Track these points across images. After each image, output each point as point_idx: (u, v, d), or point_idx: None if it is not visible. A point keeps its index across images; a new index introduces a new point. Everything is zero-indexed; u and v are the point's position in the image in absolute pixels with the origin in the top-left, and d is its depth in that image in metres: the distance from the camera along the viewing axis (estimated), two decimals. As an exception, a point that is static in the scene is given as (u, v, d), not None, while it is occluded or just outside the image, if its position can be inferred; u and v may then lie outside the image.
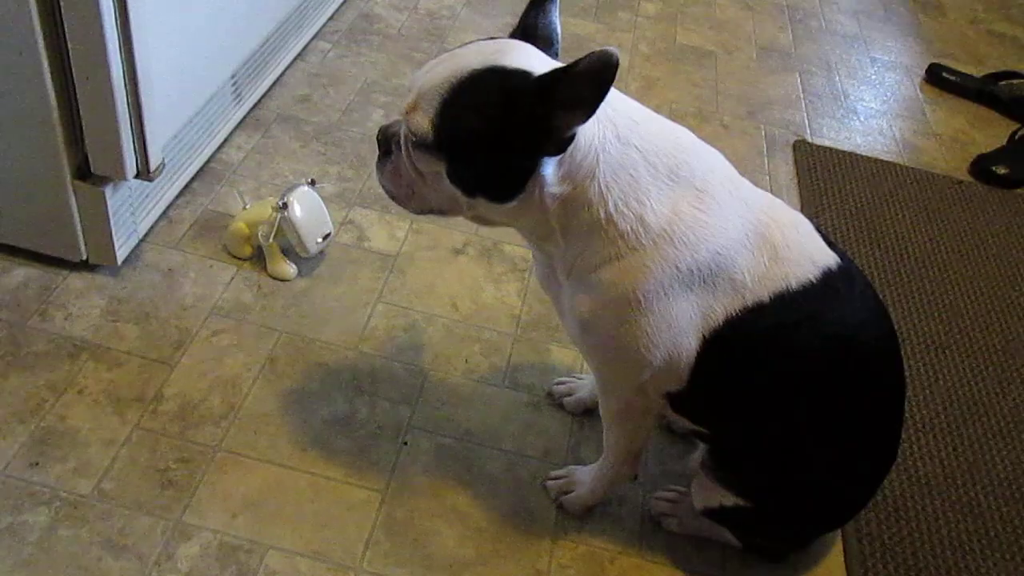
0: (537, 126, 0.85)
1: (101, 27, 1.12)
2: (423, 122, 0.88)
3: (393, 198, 0.99)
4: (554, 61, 0.92)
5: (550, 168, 0.89)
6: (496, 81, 0.86)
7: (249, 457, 1.20)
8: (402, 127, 0.93)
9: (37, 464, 1.14)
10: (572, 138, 0.87)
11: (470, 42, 0.93)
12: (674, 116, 0.99)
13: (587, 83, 0.80)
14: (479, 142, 0.88)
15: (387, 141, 0.96)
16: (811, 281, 0.97)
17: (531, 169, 0.89)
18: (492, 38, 0.93)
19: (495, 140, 0.87)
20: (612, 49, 0.77)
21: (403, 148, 0.94)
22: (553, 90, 0.82)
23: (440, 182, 0.92)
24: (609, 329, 0.96)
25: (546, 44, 0.94)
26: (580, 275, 0.96)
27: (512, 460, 1.27)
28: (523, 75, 0.86)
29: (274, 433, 1.23)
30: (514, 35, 0.95)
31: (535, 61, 0.89)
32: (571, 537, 1.19)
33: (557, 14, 0.96)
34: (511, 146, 0.87)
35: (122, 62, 1.18)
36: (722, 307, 0.94)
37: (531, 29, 0.95)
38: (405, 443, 1.26)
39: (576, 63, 0.80)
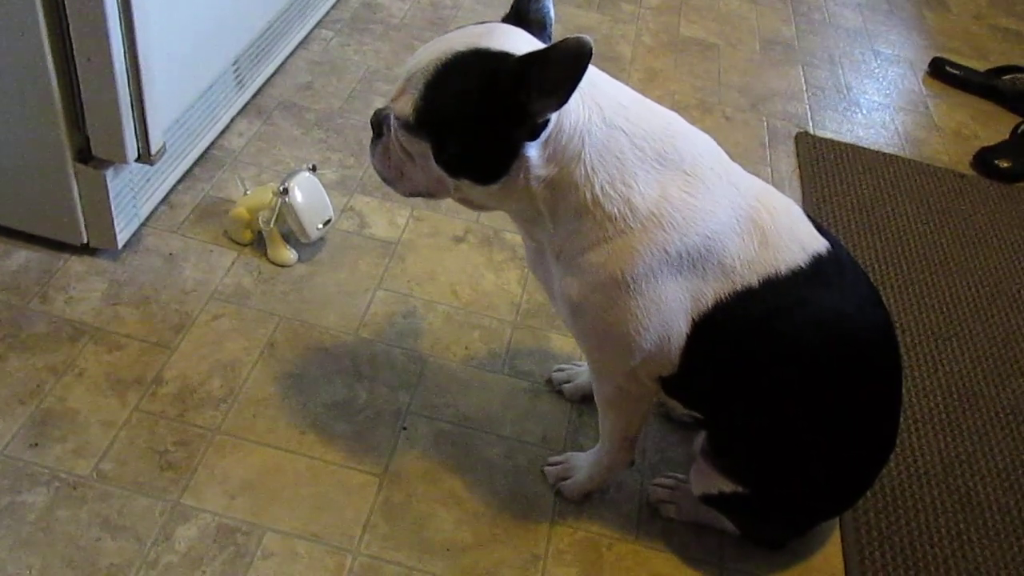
0: (513, 110, 0.85)
1: (102, 8, 1.12)
2: (408, 104, 0.89)
3: (384, 179, 1.00)
4: (543, 45, 0.91)
5: (534, 150, 0.89)
6: (477, 63, 0.87)
7: (248, 440, 1.20)
8: (391, 110, 0.94)
9: (36, 445, 1.14)
10: (545, 124, 0.87)
11: (462, 26, 0.93)
12: (676, 107, 0.99)
13: (559, 69, 0.80)
14: (459, 123, 0.88)
15: (379, 124, 0.97)
16: (800, 266, 0.97)
17: (514, 151, 0.89)
18: (483, 22, 0.93)
19: (474, 121, 0.87)
20: (585, 37, 0.77)
21: (392, 130, 0.95)
22: (528, 73, 0.82)
23: (427, 163, 0.93)
24: (599, 312, 0.96)
25: (539, 28, 0.94)
26: (569, 258, 0.96)
27: (511, 446, 1.27)
28: (503, 57, 0.86)
29: (273, 417, 1.24)
30: (507, 20, 0.95)
31: (521, 44, 0.89)
32: (569, 523, 1.19)
33: None
34: (489, 128, 0.87)
35: (123, 44, 1.18)
36: (712, 291, 0.94)
37: (524, 13, 0.95)
38: (404, 428, 1.26)
39: (550, 48, 0.80)
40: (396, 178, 0.98)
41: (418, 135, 0.91)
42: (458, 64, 0.87)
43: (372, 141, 0.99)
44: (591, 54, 0.78)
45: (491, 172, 0.91)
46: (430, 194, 0.98)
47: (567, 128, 0.89)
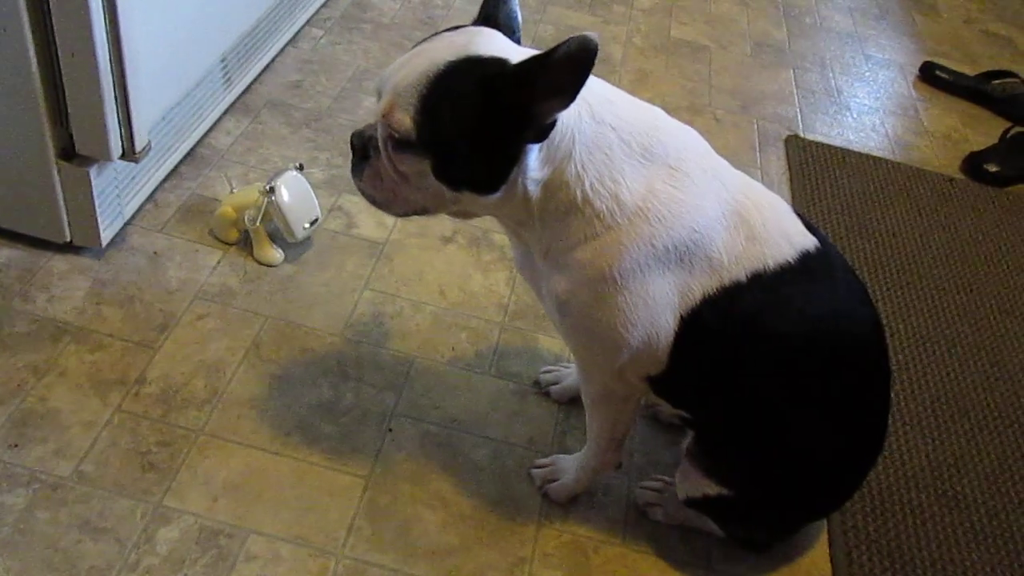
0: (518, 114, 0.84)
1: (86, 2, 1.10)
2: (404, 120, 0.86)
3: (374, 203, 0.96)
4: (524, 48, 0.91)
5: (532, 154, 0.89)
6: (474, 71, 0.85)
7: (232, 441, 1.19)
8: (379, 129, 0.90)
9: (16, 445, 1.13)
10: (553, 124, 0.86)
11: (434, 35, 0.91)
12: (667, 109, 0.98)
13: (567, 69, 0.79)
14: (463, 134, 0.86)
15: (364, 146, 0.93)
16: (788, 262, 0.96)
17: (515, 157, 0.88)
18: (457, 27, 0.92)
19: (478, 131, 0.86)
20: (591, 34, 0.76)
21: (382, 151, 0.91)
22: (533, 78, 0.82)
23: (424, 180, 0.91)
24: (586, 309, 0.95)
25: (508, 32, 0.93)
26: (557, 257, 0.95)
27: (497, 448, 1.26)
28: (500, 63, 0.85)
29: (257, 418, 1.22)
30: (476, 24, 0.94)
31: (508, 48, 0.88)
32: (555, 525, 1.18)
33: (516, 2, 0.95)
34: (494, 135, 0.86)
35: (108, 39, 1.16)
36: (699, 286, 0.94)
37: (492, 18, 0.94)
38: (390, 429, 1.25)
39: (555, 49, 0.79)
40: (390, 200, 0.95)
41: (417, 152, 0.88)
42: (454, 74, 0.85)
43: (354, 165, 0.95)
44: (597, 51, 0.77)
45: (493, 181, 0.90)
46: (426, 211, 0.96)
47: (560, 127, 0.88)
